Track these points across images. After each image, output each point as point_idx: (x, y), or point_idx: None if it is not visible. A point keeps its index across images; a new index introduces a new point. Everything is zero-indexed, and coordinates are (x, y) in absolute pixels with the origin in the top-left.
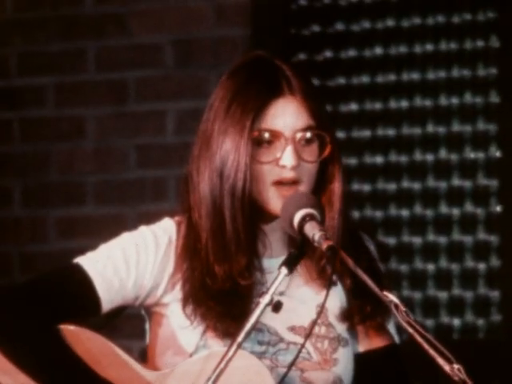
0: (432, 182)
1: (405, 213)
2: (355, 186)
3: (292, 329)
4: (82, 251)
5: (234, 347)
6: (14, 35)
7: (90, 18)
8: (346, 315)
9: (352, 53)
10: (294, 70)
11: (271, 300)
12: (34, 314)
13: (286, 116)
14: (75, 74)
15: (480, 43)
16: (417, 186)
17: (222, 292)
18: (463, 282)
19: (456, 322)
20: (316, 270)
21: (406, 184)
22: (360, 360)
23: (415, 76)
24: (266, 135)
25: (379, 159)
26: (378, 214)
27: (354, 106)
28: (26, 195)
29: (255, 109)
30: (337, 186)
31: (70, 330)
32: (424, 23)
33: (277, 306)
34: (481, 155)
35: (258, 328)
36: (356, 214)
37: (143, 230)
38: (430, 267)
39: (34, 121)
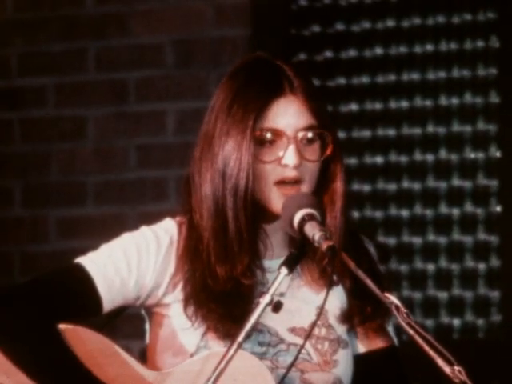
0: (432, 182)
1: (405, 213)
2: (355, 186)
3: (292, 330)
4: (83, 251)
5: (234, 347)
6: (14, 35)
7: (90, 18)
8: (346, 316)
9: (352, 53)
10: (295, 69)
11: (271, 300)
12: (35, 314)
13: (288, 115)
14: (76, 74)
15: (480, 43)
16: (417, 186)
17: (224, 293)
18: (463, 282)
19: (456, 322)
20: (317, 271)
21: (406, 184)
22: (359, 361)
23: (415, 76)
24: (268, 134)
25: (379, 159)
26: (378, 214)
27: (354, 106)
28: (26, 195)
29: (257, 109)
30: (339, 186)
31: (70, 330)
32: (424, 23)
33: (277, 306)
34: (481, 155)
35: (258, 329)
36: (356, 214)
37: (144, 230)
38: (430, 267)
39: (35, 121)
